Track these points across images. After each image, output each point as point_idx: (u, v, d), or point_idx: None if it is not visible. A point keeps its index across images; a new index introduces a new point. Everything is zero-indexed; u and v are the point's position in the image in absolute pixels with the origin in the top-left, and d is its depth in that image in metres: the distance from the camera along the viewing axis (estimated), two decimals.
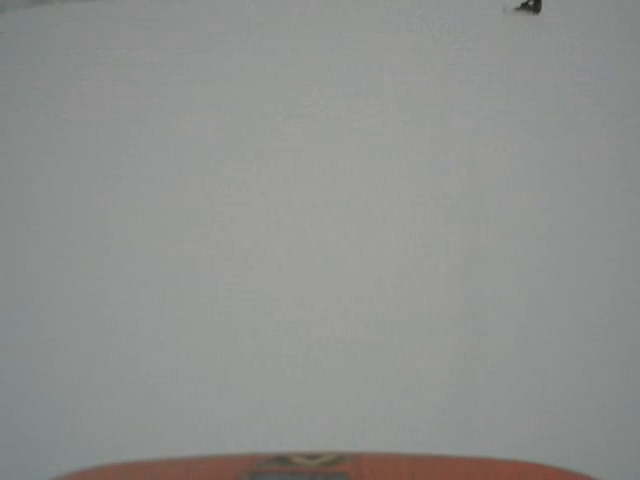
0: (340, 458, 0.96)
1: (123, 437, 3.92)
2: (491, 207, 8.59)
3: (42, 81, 14.18)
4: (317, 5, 20.34)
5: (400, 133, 11.41)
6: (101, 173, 9.48)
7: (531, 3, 16.84)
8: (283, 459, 0.96)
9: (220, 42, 17.57)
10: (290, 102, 12.87)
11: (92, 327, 5.53)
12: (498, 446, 3.92)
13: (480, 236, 7.67)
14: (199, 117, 12.00)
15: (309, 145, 10.81)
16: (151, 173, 9.62)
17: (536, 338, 5.45)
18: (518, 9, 17.73)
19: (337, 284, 6.48)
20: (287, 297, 6.19)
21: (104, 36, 17.25)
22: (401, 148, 10.80)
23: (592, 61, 15.52)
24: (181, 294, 6.24)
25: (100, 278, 6.53)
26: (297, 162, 10.23)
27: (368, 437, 4.07)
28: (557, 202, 8.94)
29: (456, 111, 12.36)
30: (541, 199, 9.00)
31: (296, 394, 4.64)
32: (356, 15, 19.33)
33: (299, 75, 14.49)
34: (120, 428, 4.06)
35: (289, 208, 8.53)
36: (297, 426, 4.23)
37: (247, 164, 10.00)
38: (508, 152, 10.77)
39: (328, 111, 12.42)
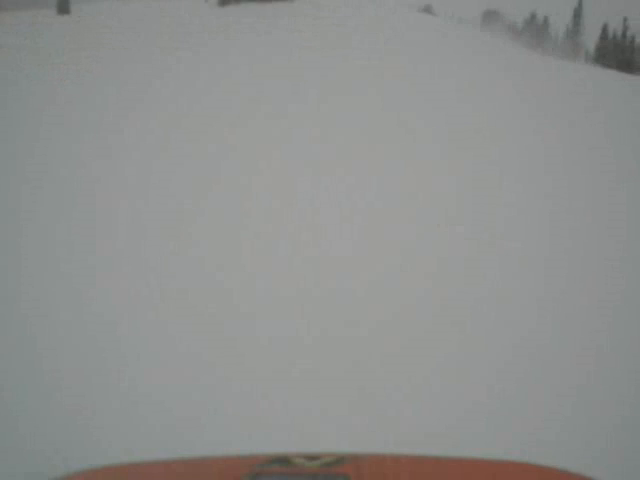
0: (340, 459, 0.96)
1: (123, 437, 3.92)
2: (491, 208, 8.60)
3: (43, 81, 14.16)
4: (317, 8, 20.26)
5: (400, 134, 11.42)
6: (101, 173, 9.48)
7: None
8: (284, 460, 0.97)
9: (221, 42, 17.55)
10: (291, 102, 12.87)
11: (91, 327, 5.53)
12: (497, 446, 3.92)
13: (480, 237, 7.68)
14: (199, 117, 12.00)
15: (310, 146, 10.81)
16: (151, 174, 9.62)
17: (535, 339, 5.46)
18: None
19: (336, 284, 6.48)
20: (286, 297, 6.19)
21: (104, 35, 17.22)
22: (400, 149, 10.81)
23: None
24: (180, 295, 6.25)
25: (98, 278, 6.53)
26: (298, 163, 10.23)
27: (368, 437, 4.07)
28: (556, 202, 8.95)
29: (456, 112, 12.36)
30: (540, 199, 9.01)
31: (296, 394, 4.64)
32: (355, 18, 19.30)
33: (299, 75, 14.49)
34: (120, 428, 4.06)
35: (289, 209, 8.54)
36: (297, 426, 4.23)
37: (247, 165, 10.00)
38: (508, 153, 10.78)
39: (328, 111, 12.42)
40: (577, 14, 59.05)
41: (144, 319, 5.69)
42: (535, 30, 60.79)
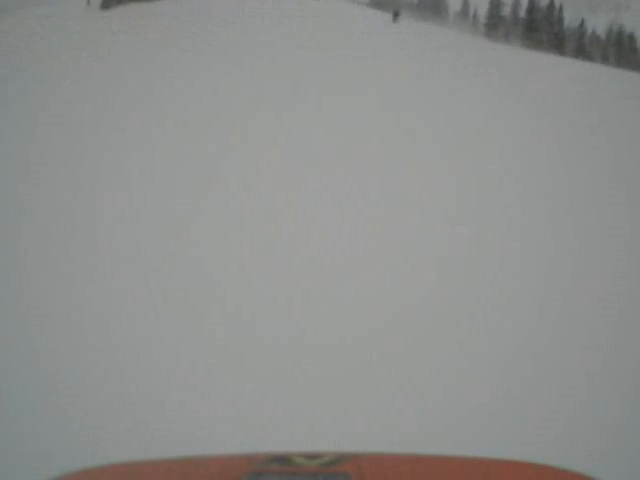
0: (340, 458, 0.96)
1: (123, 437, 3.91)
2: (492, 208, 8.59)
3: (47, 83, 14.16)
4: (317, 9, 20.20)
5: (400, 135, 11.41)
6: (102, 174, 9.47)
7: None
8: (283, 459, 0.96)
9: (223, 43, 17.56)
10: (293, 102, 12.87)
11: (91, 328, 5.52)
12: (498, 446, 3.91)
13: (481, 238, 7.67)
14: (201, 116, 12.00)
15: (311, 146, 10.80)
16: (151, 175, 9.62)
17: (536, 339, 5.45)
18: None
19: (337, 285, 6.48)
20: (286, 298, 6.19)
21: (107, 36, 17.20)
22: (401, 149, 10.80)
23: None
24: (180, 295, 6.24)
25: (98, 279, 6.53)
26: (299, 163, 10.23)
27: (368, 437, 4.06)
28: (557, 202, 8.94)
29: (457, 112, 12.36)
30: (541, 199, 9.00)
31: (297, 394, 4.63)
32: (354, 21, 19.28)
33: (301, 75, 14.49)
34: (120, 428, 4.05)
35: (290, 209, 8.53)
36: (298, 426, 4.22)
37: (246, 165, 10.00)
38: (508, 153, 10.77)
39: (330, 112, 12.42)
40: None
41: (144, 319, 5.69)
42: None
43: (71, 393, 4.52)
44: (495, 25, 50.66)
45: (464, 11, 58.67)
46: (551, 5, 51.40)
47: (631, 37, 53.83)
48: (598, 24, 59.96)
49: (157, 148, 10.56)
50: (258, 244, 7.39)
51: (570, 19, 54.57)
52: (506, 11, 53.35)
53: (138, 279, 6.51)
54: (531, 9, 50.51)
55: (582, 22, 53.73)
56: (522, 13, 52.63)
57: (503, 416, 4.36)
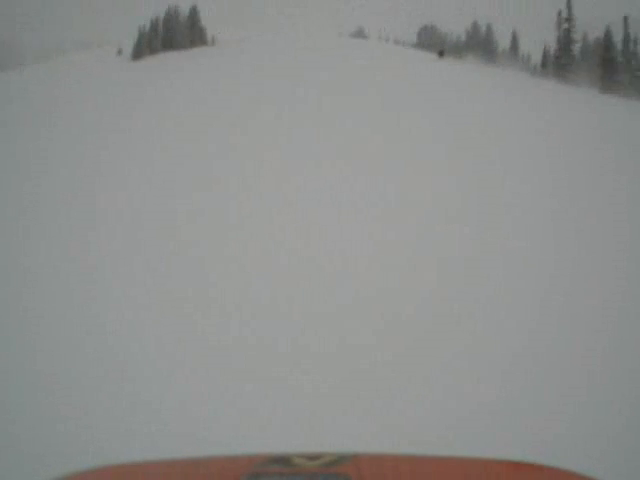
0: (340, 459, 0.95)
1: (124, 438, 3.92)
2: (494, 208, 8.59)
3: (47, 83, 14.16)
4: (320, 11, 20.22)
5: (400, 135, 11.41)
6: (103, 175, 9.48)
7: None
8: (283, 460, 0.96)
9: (223, 43, 17.54)
10: (294, 103, 12.88)
11: (91, 328, 5.52)
12: (498, 446, 3.92)
13: (483, 238, 7.67)
14: (201, 116, 12.01)
15: (312, 147, 10.81)
16: (151, 175, 9.62)
17: (538, 339, 5.45)
18: None
19: (337, 286, 6.48)
20: (286, 298, 6.19)
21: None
22: (402, 149, 10.80)
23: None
24: (180, 295, 6.24)
25: (97, 279, 6.53)
26: (299, 163, 10.23)
27: (368, 437, 4.06)
28: (559, 202, 8.94)
29: (458, 112, 12.37)
30: (543, 199, 9.00)
31: (297, 395, 4.63)
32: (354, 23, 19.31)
33: (302, 76, 14.50)
34: (120, 428, 4.06)
35: (289, 210, 8.53)
36: (297, 426, 4.23)
37: (246, 165, 10.00)
38: (510, 154, 10.77)
39: (332, 113, 12.43)
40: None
41: (144, 320, 5.69)
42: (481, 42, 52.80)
43: (71, 394, 4.52)
44: (565, 65, 41.82)
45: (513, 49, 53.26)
46: (626, 39, 42.10)
47: None
48: None
49: (157, 148, 10.57)
50: (258, 244, 7.40)
51: None
52: (577, 48, 44.83)
53: (138, 279, 6.51)
54: (608, 45, 40.54)
55: None
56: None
57: (503, 416, 4.36)
